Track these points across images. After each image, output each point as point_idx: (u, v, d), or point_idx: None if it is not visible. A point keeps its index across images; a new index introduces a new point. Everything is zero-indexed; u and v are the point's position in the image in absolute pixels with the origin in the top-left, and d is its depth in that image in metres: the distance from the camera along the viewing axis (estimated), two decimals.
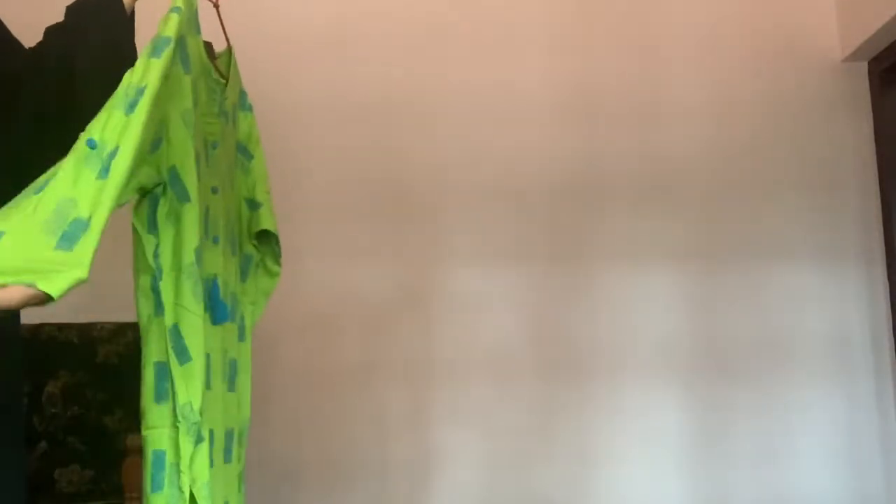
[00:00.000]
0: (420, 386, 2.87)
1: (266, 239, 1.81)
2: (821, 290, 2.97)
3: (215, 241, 1.56)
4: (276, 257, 1.82)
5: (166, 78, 1.33)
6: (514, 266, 2.93)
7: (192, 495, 1.42)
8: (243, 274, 1.76)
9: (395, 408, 2.86)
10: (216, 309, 1.54)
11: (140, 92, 1.27)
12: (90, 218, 1.17)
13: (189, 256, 1.42)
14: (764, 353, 2.92)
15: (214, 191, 1.57)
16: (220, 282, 1.55)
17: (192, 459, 1.41)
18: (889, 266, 2.95)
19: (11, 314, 1.58)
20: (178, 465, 1.41)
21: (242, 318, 1.73)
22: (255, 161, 1.80)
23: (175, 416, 1.41)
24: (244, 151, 1.80)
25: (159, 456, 1.42)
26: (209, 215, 1.53)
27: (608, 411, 2.89)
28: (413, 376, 2.87)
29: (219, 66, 1.64)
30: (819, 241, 2.99)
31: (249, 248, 1.79)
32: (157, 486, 1.41)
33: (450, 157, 2.97)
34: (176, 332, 1.41)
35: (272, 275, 1.83)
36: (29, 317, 1.80)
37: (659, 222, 2.97)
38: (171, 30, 1.37)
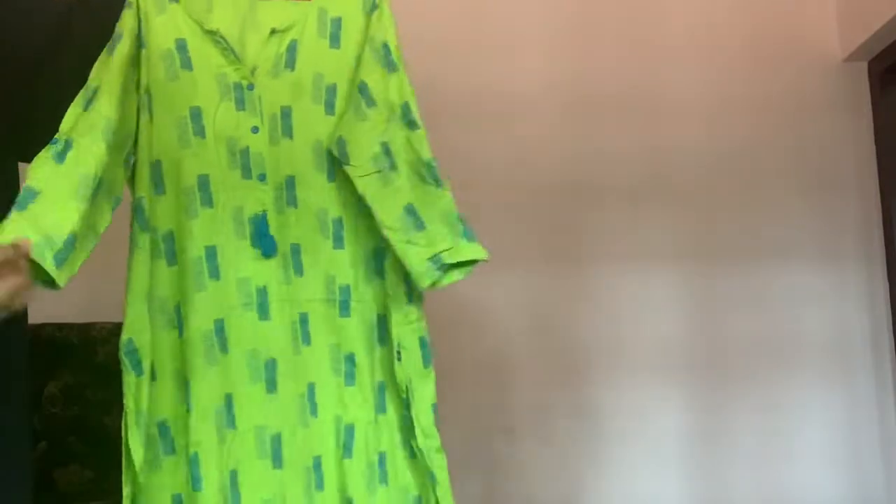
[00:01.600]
0: None
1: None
2: (821, 291, 2.96)
3: (261, 178, 1.59)
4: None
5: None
6: (513, 266, 2.92)
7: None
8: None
9: None
10: (263, 243, 1.59)
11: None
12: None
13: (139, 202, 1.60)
14: (764, 353, 2.92)
15: (255, 130, 1.60)
16: (269, 217, 1.59)
17: (136, 388, 1.61)
18: (889, 266, 2.95)
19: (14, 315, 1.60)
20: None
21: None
22: (399, 74, 1.79)
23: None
24: (386, 60, 1.76)
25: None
26: (249, 155, 1.58)
27: (608, 411, 2.89)
28: None
29: None
30: (819, 241, 2.98)
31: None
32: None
33: (448, 157, 2.95)
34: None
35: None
36: (29, 317, 1.80)
37: (659, 222, 2.97)
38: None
